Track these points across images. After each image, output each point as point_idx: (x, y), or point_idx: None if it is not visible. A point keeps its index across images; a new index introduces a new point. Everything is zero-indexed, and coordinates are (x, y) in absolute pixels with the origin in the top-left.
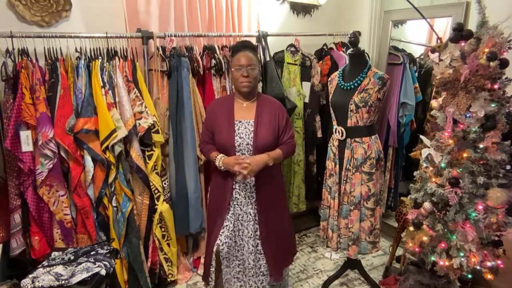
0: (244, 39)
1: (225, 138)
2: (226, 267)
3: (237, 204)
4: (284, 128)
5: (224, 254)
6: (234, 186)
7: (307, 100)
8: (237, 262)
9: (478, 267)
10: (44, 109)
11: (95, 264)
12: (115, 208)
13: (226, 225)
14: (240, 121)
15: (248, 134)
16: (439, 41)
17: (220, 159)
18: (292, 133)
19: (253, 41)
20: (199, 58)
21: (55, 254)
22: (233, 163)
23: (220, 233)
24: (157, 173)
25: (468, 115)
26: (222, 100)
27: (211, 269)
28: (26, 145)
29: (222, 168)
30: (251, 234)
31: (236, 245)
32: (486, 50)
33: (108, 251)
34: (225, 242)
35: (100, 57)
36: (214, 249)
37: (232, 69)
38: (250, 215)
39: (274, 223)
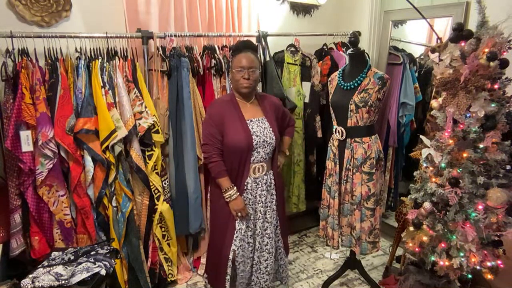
0: (245, 39)
1: (243, 139)
2: (241, 271)
3: (249, 205)
4: (283, 115)
5: (240, 258)
6: (245, 187)
7: (307, 100)
8: (250, 263)
9: (478, 267)
10: (44, 109)
11: (95, 264)
12: (115, 208)
13: (240, 228)
14: (251, 120)
15: (262, 131)
16: (439, 41)
17: (233, 195)
18: (288, 113)
19: (253, 41)
20: (199, 58)
21: (55, 254)
22: (240, 209)
23: (234, 237)
24: (157, 173)
25: (468, 115)
26: (224, 101)
27: (226, 278)
28: (26, 145)
29: (227, 200)
30: (259, 232)
31: (249, 246)
32: (486, 50)
33: (108, 251)
34: (240, 246)
35: (100, 57)
36: (231, 256)
37: (233, 70)
38: (260, 213)
39: (283, 207)
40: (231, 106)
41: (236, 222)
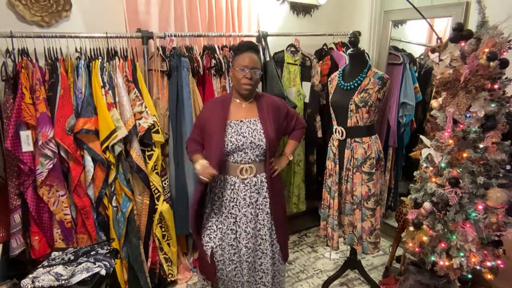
0: (249, 40)
1: (215, 142)
2: (221, 269)
3: (235, 205)
4: (287, 116)
5: (218, 256)
6: (233, 187)
7: (307, 100)
8: (233, 266)
9: (478, 267)
10: (44, 109)
11: (95, 264)
12: (115, 208)
13: (220, 228)
14: (241, 121)
15: (250, 133)
16: (439, 41)
17: (196, 167)
18: (296, 115)
19: (253, 41)
20: (199, 58)
21: (55, 254)
22: (204, 173)
23: (214, 235)
24: (157, 173)
25: (468, 115)
26: (217, 101)
27: (214, 270)
28: (26, 145)
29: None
30: (251, 234)
31: (232, 249)
32: (486, 50)
33: (108, 251)
34: (219, 245)
35: (100, 57)
36: (208, 252)
37: (236, 69)
38: (251, 214)
39: (281, 211)
40: (220, 107)
41: (219, 221)
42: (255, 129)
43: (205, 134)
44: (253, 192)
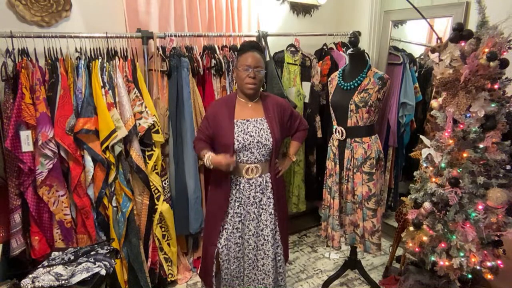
0: (251, 40)
1: (225, 140)
2: (226, 268)
3: (240, 204)
4: (291, 117)
5: (224, 256)
6: (238, 187)
7: (307, 100)
8: (237, 262)
9: (478, 267)
10: (44, 109)
11: (95, 264)
12: (115, 208)
13: (226, 228)
14: (248, 120)
15: (257, 132)
16: (439, 41)
17: (208, 158)
18: (299, 116)
19: None
20: (199, 58)
21: (55, 254)
22: (224, 162)
23: (220, 235)
24: (157, 173)
25: (468, 115)
26: (223, 101)
27: (212, 274)
28: (26, 145)
29: (211, 167)
30: (253, 232)
31: (236, 246)
32: (486, 50)
33: (108, 251)
34: (225, 245)
35: (100, 57)
36: (214, 253)
37: (239, 68)
38: (254, 214)
39: (283, 212)
40: (226, 106)
41: (224, 221)
42: (262, 128)
43: (218, 135)
44: (257, 192)
